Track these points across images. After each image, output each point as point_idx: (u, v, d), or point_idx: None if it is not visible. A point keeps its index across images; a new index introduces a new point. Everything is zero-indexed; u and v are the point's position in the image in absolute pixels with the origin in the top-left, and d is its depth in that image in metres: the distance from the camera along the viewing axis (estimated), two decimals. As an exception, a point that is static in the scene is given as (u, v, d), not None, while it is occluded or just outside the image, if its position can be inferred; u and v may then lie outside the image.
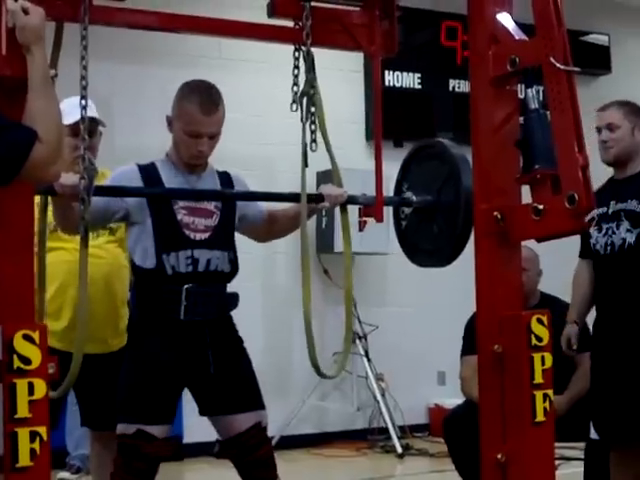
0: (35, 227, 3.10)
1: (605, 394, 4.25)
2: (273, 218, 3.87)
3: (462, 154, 3.71)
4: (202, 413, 3.71)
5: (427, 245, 3.83)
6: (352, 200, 3.72)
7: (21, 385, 2.64)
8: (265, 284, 7.50)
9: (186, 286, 3.54)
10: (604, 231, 4.24)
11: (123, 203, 3.58)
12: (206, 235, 3.61)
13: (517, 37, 3.31)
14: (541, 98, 3.24)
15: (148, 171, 3.64)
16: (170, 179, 3.64)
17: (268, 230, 3.90)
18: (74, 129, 3.60)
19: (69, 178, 3.21)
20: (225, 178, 3.78)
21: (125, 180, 3.60)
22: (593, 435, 4.36)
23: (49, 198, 3.37)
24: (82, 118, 3.21)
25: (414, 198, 3.82)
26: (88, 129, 3.51)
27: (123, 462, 3.44)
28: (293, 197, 3.68)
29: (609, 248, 4.23)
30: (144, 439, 3.42)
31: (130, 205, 3.58)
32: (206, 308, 3.58)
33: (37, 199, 3.22)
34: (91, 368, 3.63)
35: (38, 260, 3.26)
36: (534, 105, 3.24)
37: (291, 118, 3.71)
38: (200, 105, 3.54)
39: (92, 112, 3.93)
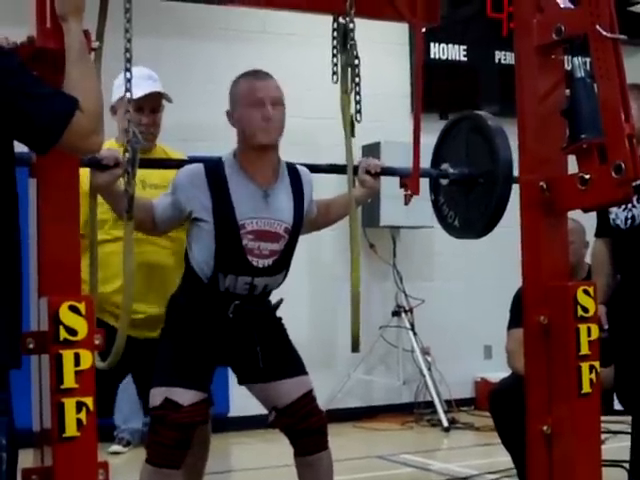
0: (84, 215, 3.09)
1: (628, 366, 4.23)
2: (324, 209, 3.80)
3: (499, 126, 3.69)
4: (242, 382, 3.67)
5: (463, 217, 3.82)
6: (388, 171, 3.70)
7: (67, 356, 2.64)
8: (311, 258, 7.50)
9: (236, 302, 3.51)
10: (623, 206, 4.20)
11: (183, 210, 3.49)
12: (270, 261, 3.51)
13: (562, 5, 3.27)
14: (587, 68, 3.20)
15: (215, 176, 3.49)
16: (238, 189, 3.49)
17: (322, 221, 3.82)
18: (138, 103, 3.57)
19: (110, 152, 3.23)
20: (294, 177, 3.63)
21: (190, 185, 3.47)
22: (617, 406, 4.37)
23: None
24: (127, 90, 3.18)
25: (451, 170, 3.80)
26: (152, 105, 3.46)
27: (153, 432, 3.44)
28: (332, 169, 3.68)
29: (629, 222, 4.21)
30: (170, 409, 3.39)
31: (192, 207, 3.48)
32: (252, 320, 3.57)
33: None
34: (149, 351, 3.63)
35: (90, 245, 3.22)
36: (580, 74, 3.21)
37: (331, 91, 3.70)
38: (254, 75, 3.52)
39: (157, 86, 3.91)
